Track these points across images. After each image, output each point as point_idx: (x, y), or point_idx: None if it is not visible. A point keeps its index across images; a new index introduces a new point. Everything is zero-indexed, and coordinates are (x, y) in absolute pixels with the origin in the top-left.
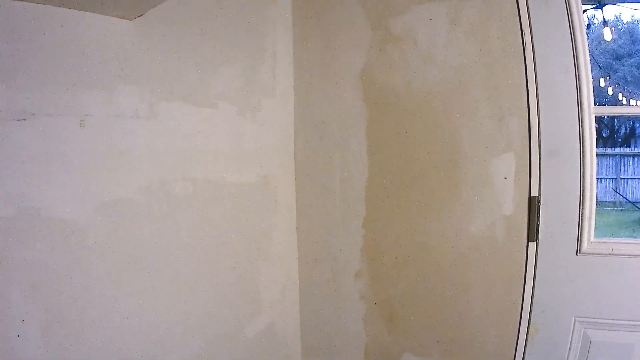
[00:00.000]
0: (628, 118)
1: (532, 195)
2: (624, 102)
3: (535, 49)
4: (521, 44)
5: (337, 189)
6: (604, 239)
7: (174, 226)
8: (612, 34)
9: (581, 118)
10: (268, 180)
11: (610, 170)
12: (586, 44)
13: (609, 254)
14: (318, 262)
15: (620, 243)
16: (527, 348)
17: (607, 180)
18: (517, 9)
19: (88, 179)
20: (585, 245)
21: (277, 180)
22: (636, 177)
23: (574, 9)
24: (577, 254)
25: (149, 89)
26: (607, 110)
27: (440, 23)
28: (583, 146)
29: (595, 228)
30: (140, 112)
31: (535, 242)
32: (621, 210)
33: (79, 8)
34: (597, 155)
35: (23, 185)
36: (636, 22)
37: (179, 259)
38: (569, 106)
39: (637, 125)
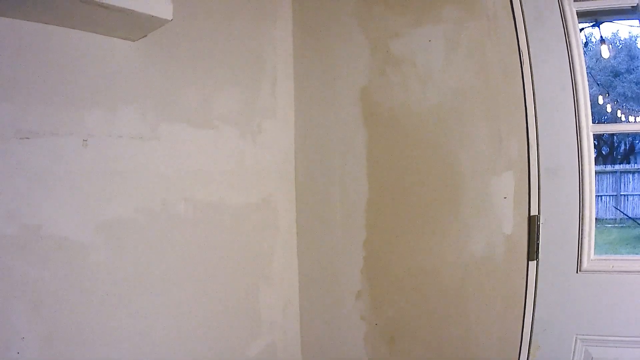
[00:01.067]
0: (627, 135)
1: (531, 214)
2: (623, 118)
3: (533, 69)
4: (519, 64)
5: (337, 209)
6: (604, 256)
7: (175, 246)
8: (609, 51)
9: (579, 136)
10: (269, 202)
11: (611, 187)
12: (583, 63)
13: (610, 271)
14: (318, 282)
15: (621, 260)
16: None
17: (608, 197)
18: (514, 30)
19: (90, 198)
20: (585, 263)
21: (277, 202)
22: (636, 193)
23: (570, 29)
24: (577, 272)
25: (151, 110)
26: (606, 128)
27: (439, 45)
28: (582, 164)
29: (596, 246)
30: (142, 133)
31: (535, 261)
32: (622, 227)
33: (82, 29)
34: (597, 172)
35: (25, 202)
36: (634, 39)
37: (179, 279)
38: (567, 125)
39: (637, 141)
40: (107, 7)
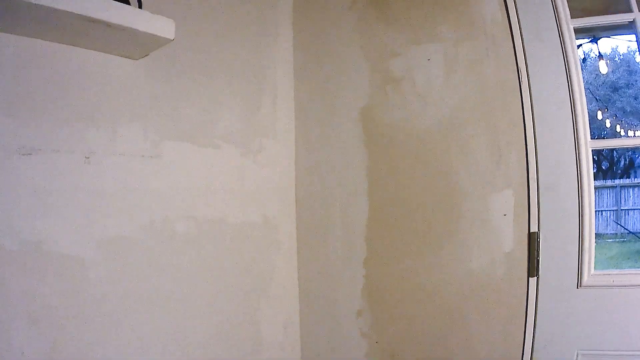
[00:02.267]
0: (627, 149)
1: (531, 230)
2: (623, 133)
3: (532, 86)
4: (517, 81)
5: (337, 228)
6: (605, 271)
7: (176, 264)
8: (607, 66)
9: (578, 152)
10: (269, 220)
11: (611, 202)
12: (581, 79)
13: (610, 286)
14: (319, 300)
15: (621, 274)
16: None
17: (608, 212)
18: (512, 47)
19: (91, 215)
20: (586, 278)
21: (278, 220)
22: (637, 207)
23: (568, 45)
24: (578, 287)
25: (153, 128)
26: (604, 144)
27: (438, 63)
28: (581, 180)
29: (597, 261)
30: (144, 151)
31: (535, 277)
32: (623, 241)
33: (86, 47)
34: (597, 187)
35: (26, 218)
36: (632, 53)
37: (179, 296)
38: (566, 141)
39: (636, 156)
40: (110, 25)
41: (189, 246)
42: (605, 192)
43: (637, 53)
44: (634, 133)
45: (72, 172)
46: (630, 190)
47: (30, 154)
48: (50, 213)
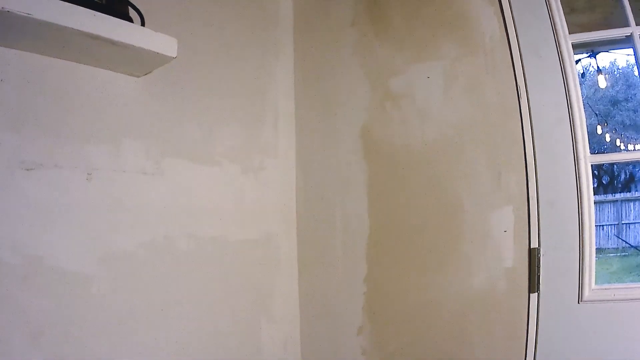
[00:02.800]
0: (627, 163)
1: (532, 246)
2: (623, 147)
3: (531, 102)
4: (517, 98)
5: (338, 246)
6: (606, 286)
7: (177, 281)
8: (606, 81)
9: (577, 167)
10: (270, 238)
11: (612, 216)
12: (580, 94)
13: (611, 300)
14: (320, 318)
15: (622, 288)
16: None
17: (609, 226)
18: (511, 63)
19: (93, 232)
20: (586, 293)
21: (279, 238)
22: (638, 221)
23: (566, 61)
24: (578, 302)
25: (155, 146)
26: (603, 158)
27: (438, 81)
28: (580, 195)
29: (599, 276)
30: (146, 168)
31: (536, 293)
32: (624, 255)
33: (89, 63)
34: (598, 202)
35: (28, 233)
36: (631, 67)
37: (180, 313)
38: (565, 157)
39: (637, 169)
40: (113, 43)
41: (190, 263)
42: (606, 206)
43: (636, 67)
44: (634, 147)
45: (74, 188)
46: (631, 204)
47: (32, 169)
48: (52, 228)
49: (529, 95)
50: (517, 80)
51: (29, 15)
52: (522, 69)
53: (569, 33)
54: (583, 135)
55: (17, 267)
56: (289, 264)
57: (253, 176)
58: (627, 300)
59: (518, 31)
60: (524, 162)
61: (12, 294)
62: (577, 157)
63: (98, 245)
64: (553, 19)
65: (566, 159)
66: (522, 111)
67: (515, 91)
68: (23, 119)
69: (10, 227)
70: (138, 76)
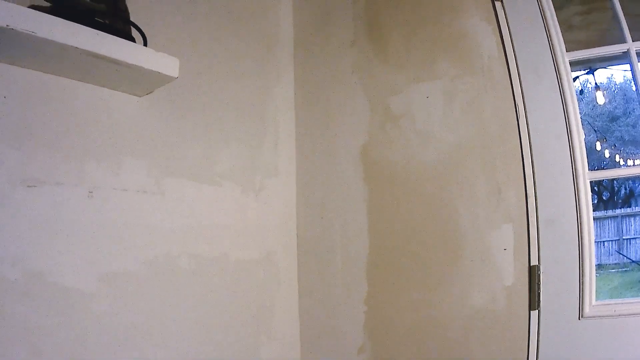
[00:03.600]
0: (627, 179)
1: (532, 264)
2: (622, 163)
3: (529, 120)
4: (515, 116)
5: (338, 265)
6: (606, 301)
7: (177, 299)
8: (604, 97)
9: (576, 184)
10: (270, 258)
11: (613, 232)
12: (577, 111)
13: (612, 315)
14: (320, 337)
15: (623, 304)
16: None
17: (610, 242)
18: (510, 82)
19: (93, 249)
20: (587, 309)
21: (279, 258)
22: (639, 236)
23: (564, 78)
24: (579, 319)
25: (156, 165)
26: (602, 175)
27: (437, 101)
28: (580, 212)
29: (600, 292)
30: (147, 187)
31: (537, 311)
32: (625, 271)
33: (91, 82)
34: (598, 218)
35: (29, 249)
36: (628, 82)
37: (180, 332)
38: (564, 174)
39: (637, 185)
40: (116, 62)
41: (190, 282)
42: (606, 222)
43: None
44: (634, 162)
45: (76, 206)
46: (632, 219)
47: (34, 186)
48: (53, 245)
49: (528, 113)
50: (516, 98)
51: (33, 34)
52: (521, 87)
53: (567, 50)
54: (582, 152)
55: (18, 282)
56: (289, 283)
57: (253, 196)
58: (628, 315)
59: (516, 49)
60: (523, 179)
61: (12, 309)
62: (575, 174)
63: (99, 263)
64: (550, 37)
65: (565, 176)
66: (520, 129)
67: (514, 109)
68: (25, 135)
69: (11, 243)
70: (140, 95)
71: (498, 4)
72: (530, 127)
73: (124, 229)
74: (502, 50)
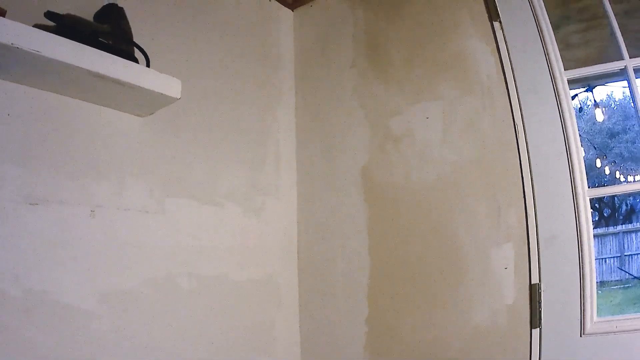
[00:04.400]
0: (627, 195)
1: (532, 282)
2: (622, 179)
3: (528, 138)
4: (514, 135)
5: (339, 286)
6: (608, 317)
7: (178, 319)
8: (603, 114)
9: (576, 202)
10: (271, 278)
11: (614, 248)
12: (576, 129)
13: (614, 332)
14: (321, 358)
15: (625, 319)
16: None
17: (612, 259)
18: (509, 101)
19: (95, 268)
20: (588, 326)
21: (280, 278)
22: None
23: (562, 97)
24: (581, 336)
25: (158, 185)
26: (601, 192)
27: (437, 121)
28: (580, 229)
29: (602, 308)
30: (149, 207)
31: (538, 329)
32: (628, 287)
33: (95, 102)
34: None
35: (31, 267)
36: (627, 99)
37: (180, 352)
38: (564, 192)
39: (637, 201)
40: (119, 83)
41: (191, 302)
42: (608, 239)
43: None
44: (634, 178)
45: (78, 225)
46: (633, 235)
47: (37, 204)
48: (55, 263)
49: (527, 132)
50: (515, 118)
51: (38, 53)
52: (520, 106)
53: (566, 68)
54: (581, 169)
55: (19, 299)
56: (290, 304)
57: (255, 216)
58: (629, 331)
59: (514, 69)
60: (522, 198)
61: (13, 326)
62: (575, 192)
63: (100, 282)
64: (548, 56)
65: (565, 194)
66: (519, 148)
67: (513, 128)
68: (29, 153)
69: (14, 260)
70: (142, 116)
71: (496, 24)
72: (529, 146)
73: (125, 248)
74: (501, 70)
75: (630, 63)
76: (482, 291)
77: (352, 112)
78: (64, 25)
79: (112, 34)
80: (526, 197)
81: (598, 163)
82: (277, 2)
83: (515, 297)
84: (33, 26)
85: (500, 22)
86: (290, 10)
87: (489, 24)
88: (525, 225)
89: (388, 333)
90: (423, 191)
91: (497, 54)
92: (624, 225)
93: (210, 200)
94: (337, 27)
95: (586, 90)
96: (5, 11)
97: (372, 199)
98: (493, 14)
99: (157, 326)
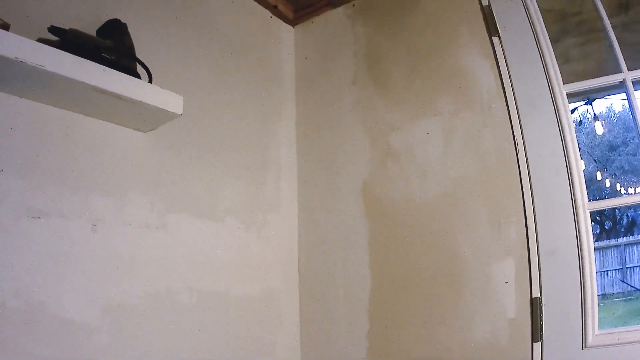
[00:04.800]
0: (628, 207)
1: (533, 296)
2: (623, 191)
3: (528, 153)
4: (514, 150)
5: (340, 301)
6: (609, 330)
7: (178, 334)
8: (603, 127)
9: (576, 215)
10: (272, 294)
11: (616, 261)
12: (576, 143)
13: (616, 344)
14: None
15: (626, 331)
16: None
17: (614, 271)
18: (508, 116)
19: (96, 282)
20: (590, 339)
21: (281, 294)
22: None
23: (561, 110)
24: (582, 349)
25: (159, 200)
26: (601, 204)
27: (437, 136)
28: (580, 243)
29: (605, 321)
30: (150, 222)
31: (540, 342)
32: (630, 299)
33: (97, 117)
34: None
35: (32, 279)
36: (627, 111)
37: None
38: (564, 206)
39: (639, 213)
40: (121, 98)
41: (191, 317)
42: (609, 251)
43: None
44: (635, 190)
45: (79, 238)
46: (635, 247)
47: (38, 217)
48: (56, 276)
49: (526, 147)
50: (514, 132)
51: (42, 67)
52: (519, 121)
53: (566, 82)
54: (581, 183)
55: (19, 312)
56: (290, 319)
57: (255, 232)
58: (631, 343)
59: (514, 84)
60: (523, 212)
61: (12, 338)
62: (575, 205)
63: (101, 296)
64: (547, 70)
65: (565, 208)
66: (519, 162)
67: (513, 143)
68: (31, 166)
69: (14, 273)
70: (144, 131)
71: (495, 39)
72: (529, 160)
73: (126, 263)
74: (501, 85)
75: (629, 75)
76: (483, 305)
77: (353, 127)
78: (68, 40)
79: (114, 49)
80: (526, 211)
81: (598, 176)
82: (278, 19)
83: (516, 311)
84: (36, 40)
85: (499, 37)
86: (291, 26)
87: (488, 39)
88: (525, 239)
89: (389, 348)
90: (423, 206)
91: (496, 69)
92: (625, 238)
93: (211, 216)
94: (338, 43)
95: (586, 104)
96: (9, 25)
97: (372, 214)
98: (492, 29)
99: (157, 341)
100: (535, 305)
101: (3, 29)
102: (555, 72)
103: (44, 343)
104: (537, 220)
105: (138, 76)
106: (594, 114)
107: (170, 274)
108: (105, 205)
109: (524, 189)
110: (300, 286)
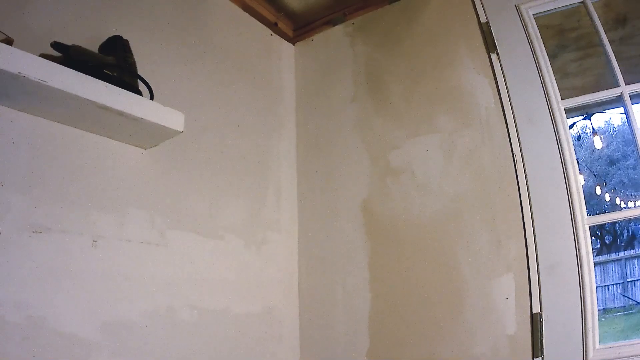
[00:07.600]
0: (629, 221)
1: (533, 312)
2: (623, 205)
3: (527, 168)
4: (513, 166)
5: (340, 319)
6: (610, 344)
7: (178, 351)
8: (602, 141)
9: (576, 231)
10: (272, 311)
11: (617, 275)
12: (574, 158)
13: (616, 358)
14: None
15: (627, 345)
16: None
17: (615, 286)
18: (507, 133)
19: (96, 298)
20: (591, 354)
21: (281, 311)
22: None
23: (560, 126)
24: None
25: (160, 217)
26: (601, 219)
27: (436, 154)
28: (580, 258)
29: (606, 336)
30: (150, 239)
31: (540, 358)
32: (631, 313)
33: (99, 133)
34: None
35: (32, 294)
36: (626, 125)
37: None
38: (563, 221)
39: (639, 227)
40: (123, 115)
41: (191, 334)
42: (610, 266)
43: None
44: (634, 204)
45: (80, 254)
46: (635, 261)
47: (40, 232)
48: (56, 291)
49: (525, 163)
50: (513, 149)
51: (44, 83)
52: (518, 137)
53: (565, 97)
54: (580, 198)
55: (19, 326)
56: (290, 337)
57: (256, 250)
58: (632, 356)
59: (512, 100)
60: (522, 228)
61: (12, 352)
62: (574, 220)
63: (101, 312)
64: (545, 86)
65: (564, 223)
66: (518, 178)
67: (512, 159)
68: (32, 182)
69: (15, 287)
70: (145, 148)
71: (494, 56)
72: (528, 176)
73: (126, 279)
74: (499, 102)
75: (626, 89)
76: (483, 322)
77: (353, 145)
78: (70, 56)
79: (117, 66)
80: (526, 226)
81: (598, 190)
82: (278, 36)
83: (517, 327)
84: (39, 56)
85: (497, 54)
86: (291, 44)
87: (486, 56)
88: (525, 255)
89: None
90: (423, 223)
91: (494, 85)
92: (626, 252)
93: (212, 233)
94: (338, 61)
95: (584, 118)
96: (13, 40)
97: (372, 232)
98: (490, 46)
99: (156, 358)
100: (535, 321)
101: (7, 43)
102: (553, 88)
103: (42, 358)
104: (536, 235)
105: (140, 93)
106: (593, 128)
107: (171, 291)
108: (106, 221)
109: (523, 205)
110: (300, 304)
